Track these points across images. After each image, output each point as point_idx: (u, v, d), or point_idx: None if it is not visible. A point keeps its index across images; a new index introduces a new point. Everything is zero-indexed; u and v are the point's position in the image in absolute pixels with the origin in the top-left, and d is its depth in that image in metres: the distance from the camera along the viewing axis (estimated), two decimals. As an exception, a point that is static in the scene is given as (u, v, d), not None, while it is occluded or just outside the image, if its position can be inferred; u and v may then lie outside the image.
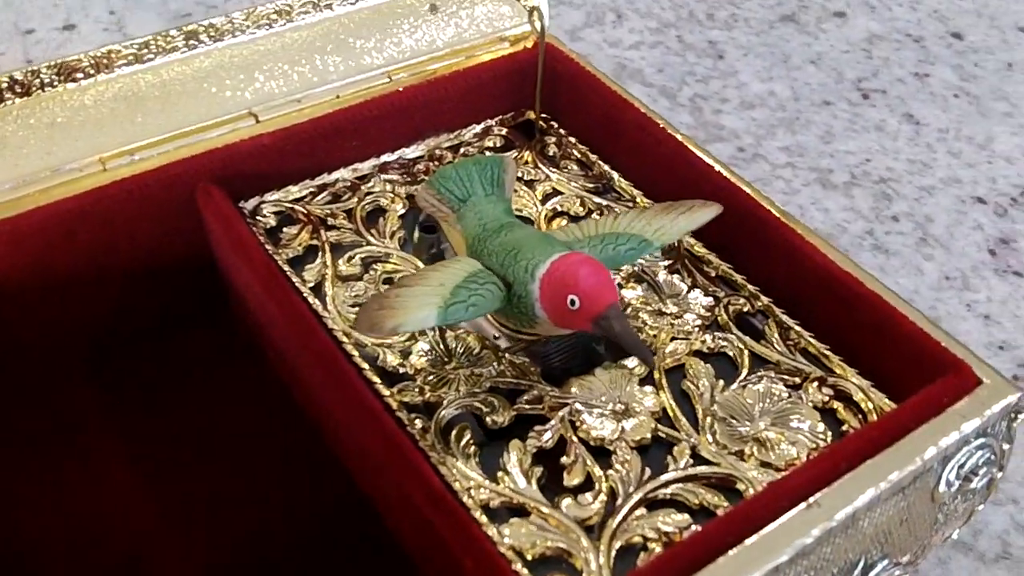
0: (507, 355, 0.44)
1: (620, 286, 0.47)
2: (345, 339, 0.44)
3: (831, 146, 0.80)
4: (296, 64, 0.52)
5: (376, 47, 0.54)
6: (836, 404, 0.43)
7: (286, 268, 0.47)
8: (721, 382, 0.43)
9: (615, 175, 0.54)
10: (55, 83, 0.48)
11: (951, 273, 0.70)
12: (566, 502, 0.38)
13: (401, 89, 0.53)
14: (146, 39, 0.49)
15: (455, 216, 0.46)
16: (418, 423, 0.41)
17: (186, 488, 0.47)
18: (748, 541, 0.34)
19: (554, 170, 0.54)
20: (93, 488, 0.47)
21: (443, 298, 0.40)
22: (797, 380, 0.44)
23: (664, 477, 0.39)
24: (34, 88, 0.47)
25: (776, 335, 0.46)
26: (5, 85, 0.46)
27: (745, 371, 0.44)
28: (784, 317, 0.46)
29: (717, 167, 0.49)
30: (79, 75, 0.48)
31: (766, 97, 0.85)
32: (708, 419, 0.42)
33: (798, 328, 0.46)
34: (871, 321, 0.43)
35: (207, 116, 0.50)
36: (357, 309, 0.46)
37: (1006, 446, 0.41)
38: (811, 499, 0.35)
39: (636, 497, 0.39)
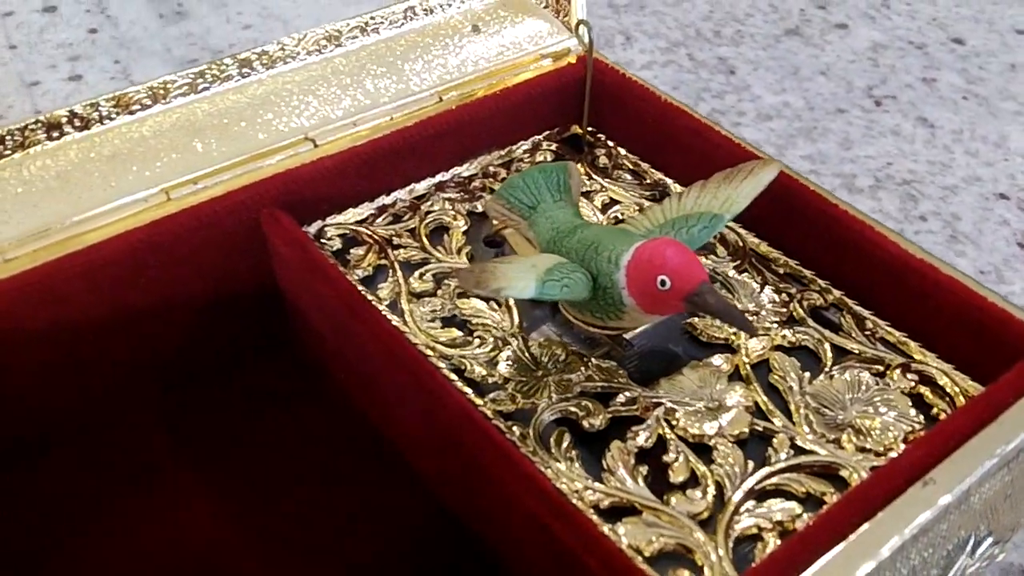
0: (593, 360, 0.44)
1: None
2: (430, 353, 0.44)
3: (851, 152, 0.81)
4: (348, 88, 0.52)
5: (424, 68, 0.55)
6: (923, 389, 0.43)
7: (360, 288, 0.46)
8: (807, 374, 0.43)
9: (669, 181, 0.54)
10: (113, 116, 0.48)
11: (984, 268, 0.70)
12: (675, 498, 0.38)
13: (453, 108, 0.53)
14: (200, 68, 0.49)
15: (527, 224, 0.46)
16: (516, 430, 0.41)
17: (268, 521, 0.46)
18: (872, 521, 0.34)
19: (608, 180, 0.55)
20: (172, 527, 0.46)
21: (538, 275, 0.40)
22: (881, 368, 0.44)
23: (768, 468, 0.39)
24: (93, 122, 0.47)
25: (853, 326, 0.46)
26: (65, 120, 0.46)
27: (829, 362, 0.44)
28: (858, 308, 0.46)
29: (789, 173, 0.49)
30: (136, 107, 0.48)
31: (781, 108, 0.86)
32: (801, 410, 0.42)
33: (874, 318, 0.46)
34: (949, 304, 0.43)
35: (266, 143, 0.50)
36: (437, 323, 0.46)
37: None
38: (926, 477, 0.36)
39: (744, 489, 0.39)
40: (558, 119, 0.57)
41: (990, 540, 0.39)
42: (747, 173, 0.45)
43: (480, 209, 0.52)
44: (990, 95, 0.88)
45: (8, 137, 0.45)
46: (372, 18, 0.54)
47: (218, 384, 0.51)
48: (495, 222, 0.49)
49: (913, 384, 0.43)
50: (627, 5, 1.01)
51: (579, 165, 0.56)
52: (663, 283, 0.39)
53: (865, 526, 0.34)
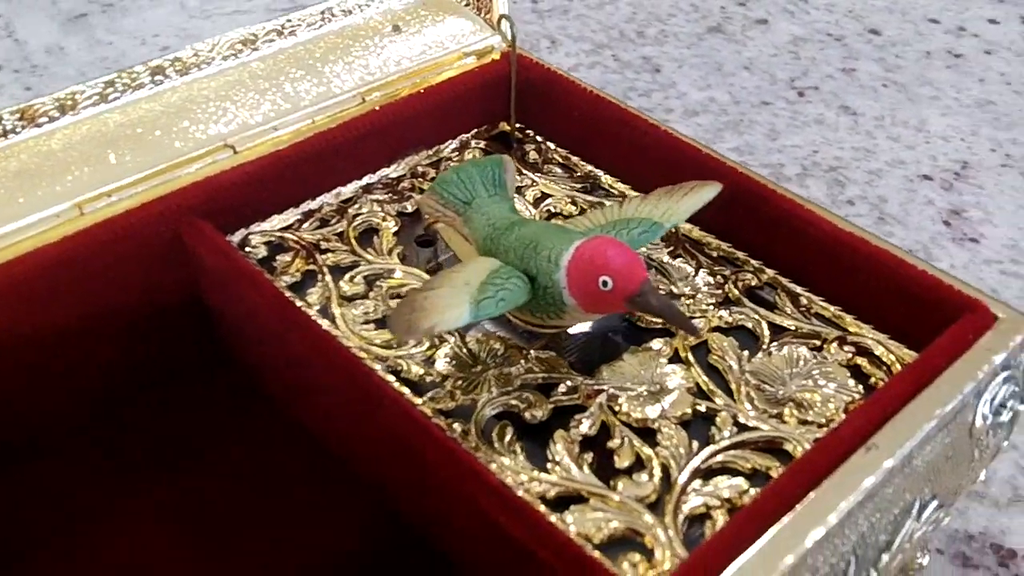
0: (532, 352, 0.43)
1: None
2: (364, 355, 0.43)
3: (777, 142, 0.82)
4: (267, 92, 0.51)
5: (345, 70, 0.54)
6: (859, 360, 0.43)
7: (289, 294, 0.45)
8: (746, 352, 0.43)
9: (600, 172, 0.54)
10: (18, 130, 0.46)
11: (912, 246, 0.71)
12: (622, 483, 0.38)
13: (377, 108, 0.52)
14: (111, 77, 0.48)
15: (461, 220, 0.45)
16: (457, 427, 0.40)
17: (218, 536, 0.44)
18: (818, 489, 0.34)
19: (539, 175, 0.54)
20: (121, 551, 0.44)
21: (471, 295, 0.39)
22: (817, 342, 0.44)
23: (712, 447, 0.39)
24: (-2, 137, 0.45)
25: (788, 303, 0.46)
26: (-31, 136, 0.45)
27: (767, 340, 0.44)
28: (792, 286, 0.47)
29: (704, 150, 0.50)
30: (43, 119, 0.46)
31: (707, 104, 0.87)
32: (742, 388, 0.42)
33: (808, 294, 0.46)
34: (881, 277, 0.44)
35: (183, 151, 0.48)
36: (371, 326, 0.44)
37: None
38: (868, 443, 0.35)
39: (690, 469, 0.38)
40: (485, 117, 0.57)
41: (935, 504, 0.39)
42: (688, 190, 0.45)
43: (410, 209, 0.52)
44: (908, 82, 0.90)
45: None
46: (289, 20, 0.53)
47: (149, 402, 0.49)
48: (427, 218, 0.48)
49: (850, 356, 0.43)
50: (551, 10, 1.01)
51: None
52: (605, 283, 0.38)
53: (812, 495, 0.34)
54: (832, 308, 0.45)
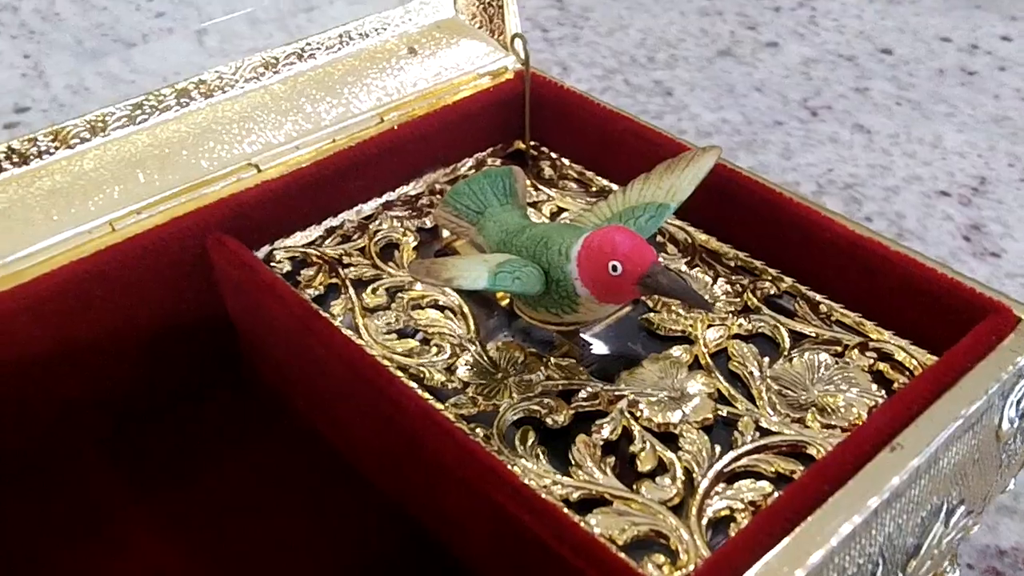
0: (552, 359, 0.43)
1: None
2: (388, 363, 0.43)
3: (792, 161, 0.82)
4: (288, 113, 0.52)
5: (363, 91, 0.55)
6: (882, 365, 0.43)
7: (319, 310, 0.46)
8: (766, 359, 0.43)
9: (614, 186, 0.54)
10: (52, 151, 0.47)
11: (931, 262, 0.71)
12: (645, 486, 0.38)
13: (395, 128, 0.53)
14: (138, 100, 0.49)
15: (475, 229, 0.46)
16: (480, 432, 0.40)
17: (228, 556, 0.45)
18: (844, 488, 0.34)
19: (554, 190, 0.55)
20: (126, 569, 0.44)
21: (490, 268, 0.40)
22: (839, 348, 0.44)
23: (735, 452, 0.39)
24: (32, 157, 0.46)
25: (808, 311, 0.46)
26: (3, 156, 0.45)
27: (787, 347, 0.44)
28: (811, 293, 0.47)
29: (728, 165, 0.50)
30: (75, 140, 0.47)
31: (720, 125, 0.87)
32: (764, 393, 0.42)
33: (827, 301, 0.46)
34: (901, 281, 0.44)
35: (208, 170, 0.49)
36: (393, 336, 0.45)
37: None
38: (893, 442, 0.35)
39: (713, 472, 0.38)
40: (501, 135, 0.58)
41: (963, 509, 0.39)
42: (688, 161, 0.45)
43: (429, 225, 0.52)
44: (922, 99, 0.90)
45: (-58, 176, 0.44)
46: (308, 44, 0.54)
47: (171, 418, 0.50)
48: (444, 232, 0.48)
49: (872, 361, 0.43)
50: (561, 38, 1.02)
51: (525, 178, 0.56)
52: (614, 268, 0.39)
53: (838, 493, 0.34)
54: (852, 315, 0.46)
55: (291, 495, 0.47)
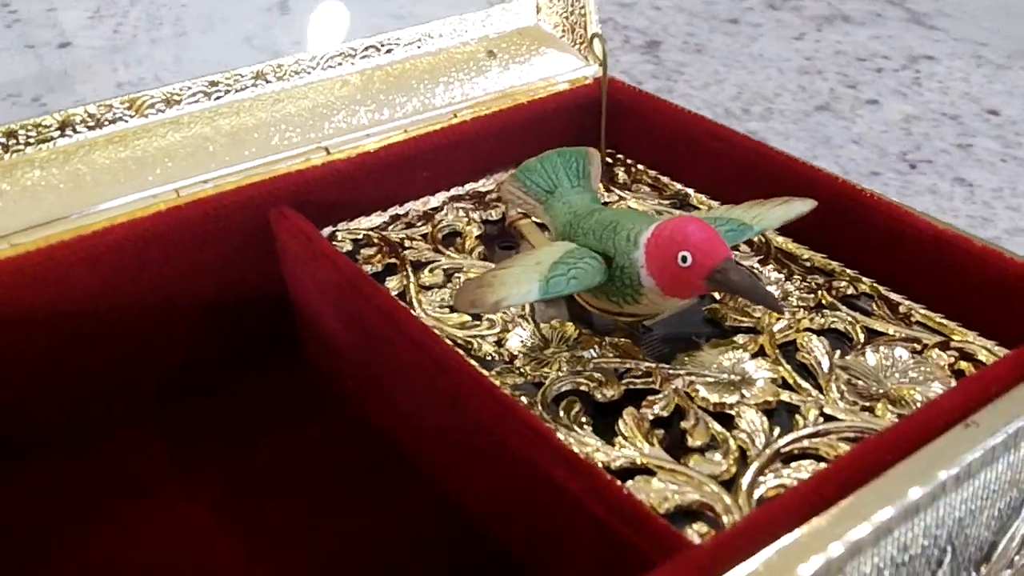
0: (607, 338, 0.42)
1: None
2: (437, 332, 0.42)
3: (887, 208, 0.79)
4: (362, 103, 0.52)
5: (440, 88, 0.54)
6: (963, 364, 0.40)
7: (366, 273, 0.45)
8: (838, 352, 0.41)
9: (690, 191, 0.53)
10: (126, 118, 0.48)
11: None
12: (694, 460, 0.35)
13: (468, 121, 0.53)
14: (215, 77, 0.50)
15: (542, 208, 0.45)
16: (524, 399, 0.38)
17: (271, 533, 0.43)
18: (908, 459, 0.31)
19: (627, 192, 0.53)
20: (170, 539, 0.43)
21: (542, 273, 0.38)
22: (917, 346, 0.41)
23: (796, 433, 0.36)
24: (106, 122, 0.47)
25: (887, 311, 0.43)
26: (79, 119, 0.46)
27: (861, 342, 0.41)
28: (891, 295, 0.44)
29: (798, 160, 0.48)
30: (150, 111, 0.48)
31: (813, 172, 0.85)
32: (832, 383, 0.39)
33: (908, 302, 0.43)
34: (986, 277, 0.41)
35: (278, 149, 0.49)
36: (446, 310, 0.44)
37: None
38: (968, 419, 0.32)
39: (769, 451, 0.35)
40: (575, 139, 0.56)
41: (1049, 512, 0.35)
42: (781, 202, 0.43)
43: (495, 218, 0.51)
44: (1029, 158, 0.87)
45: (22, 132, 0.45)
46: (388, 38, 0.54)
47: (223, 391, 0.49)
48: (510, 210, 0.47)
49: (953, 360, 0.40)
50: (655, 90, 1.01)
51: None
52: (684, 259, 0.37)
53: (901, 464, 0.31)
54: (935, 315, 0.43)
55: (333, 478, 0.46)
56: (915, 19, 1.17)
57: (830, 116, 0.95)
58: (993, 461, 0.32)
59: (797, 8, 1.22)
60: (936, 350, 0.41)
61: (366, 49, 0.54)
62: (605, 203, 0.52)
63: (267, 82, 0.51)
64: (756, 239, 0.48)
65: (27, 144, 0.45)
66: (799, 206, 0.44)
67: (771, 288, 0.45)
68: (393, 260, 0.47)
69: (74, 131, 0.46)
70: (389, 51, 0.54)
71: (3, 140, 0.44)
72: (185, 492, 0.45)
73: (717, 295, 0.44)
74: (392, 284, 0.45)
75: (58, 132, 0.46)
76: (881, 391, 0.38)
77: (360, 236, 0.49)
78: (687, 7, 1.24)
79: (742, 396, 0.38)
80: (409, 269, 0.46)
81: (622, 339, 0.41)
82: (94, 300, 0.44)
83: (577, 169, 0.46)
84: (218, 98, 0.50)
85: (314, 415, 0.48)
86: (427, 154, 0.51)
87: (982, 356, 0.40)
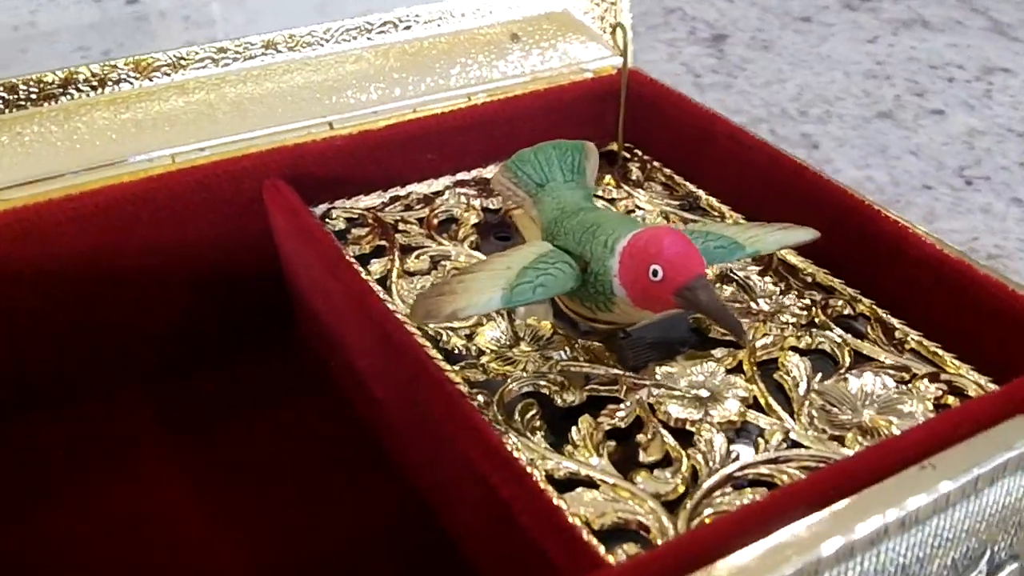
0: (579, 341, 0.40)
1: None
2: (407, 322, 0.41)
3: (933, 226, 0.76)
4: (373, 79, 0.52)
5: (457, 69, 0.53)
6: (951, 399, 0.38)
7: (352, 261, 0.44)
8: (819, 375, 0.39)
9: (701, 192, 0.51)
10: (131, 79, 0.48)
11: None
12: (641, 476, 0.34)
13: (479, 104, 0.52)
14: (224, 44, 0.49)
15: (531, 201, 0.44)
16: (480, 398, 0.37)
17: (239, 505, 0.43)
18: (853, 496, 0.29)
19: (638, 190, 0.52)
20: (144, 503, 0.43)
21: (508, 280, 0.37)
22: (906, 376, 0.39)
23: (754, 457, 0.35)
24: (110, 82, 0.47)
25: (881, 335, 0.41)
26: (82, 78, 0.47)
27: (846, 366, 0.39)
28: (889, 318, 0.42)
29: (812, 169, 0.46)
30: (156, 74, 0.48)
31: (863, 182, 0.82)
32: (804, 407, 0.37)
33: (905, 327, 0.41)
34: (985, 305, 0.38)
35: (281, 120, 0.49)
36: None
37: None
38: (925, 461, 0.30)
39: (721, 475, 0.34)
40: (593, 130, 0.55)
41: (1015, 566, 0.33)
42: (783, 226, 0.42)
43: (496, 206, 0.50)
44: (1096, 182, 0.82)
45: (23, 87, 0.45)
46: (407, 15, 0.53)
47: (215, 364, 0.49)
48: (501, 200, 0.46)
49: (940, 394, 0.38)
50: (712, 84, 0.99)
51: (608, 176, 0.53)
52: (655, 273, 0.35)
53: (844, 501, 0.29)
54: (931, 344, 0.40)
55: (307, 460, 0.45)
56: (997, 29, 1.12)
57: (890, 124, 0.91)
58: (947, 508, 0.30)
59: (875, 10, 1.18)
60: (925, 381, 0.38)
61: (383, 24, 0.53)
62: (611, 200, 0.51)
63: (277, 52, 0.51)
64: (759, 249, 0.46)
65: (27, 102, 0.45)
66: (799, 235, 0.42)
67: (764, 299, 0.43)
68: (383, 242, 0.47)
69: (77, 90, 0.47)
70: (408, 28, 0.54)
71: (4, 95, 0.45)
72: (162, 460, 0.45)
73: (706, 302, 0.43)
74: (376, 267, 0.45)
75: (60, 90, 0.46)
76: (855, 420, 0.36)
77: (355, 215, 0.48)
78: (761, 1, 1.21)
79: (706, 414, 0.36)
80: (397, 253, 0.46)
81: (596, 343, 0.40)
82: (82, 260, 0.44)
83: (572, 163, 0.44)
84: (226, 65, 0.49)
85: (301, 396, 0.48)
86: (433, 136, 0.50)
87: (972, 391, 0.38)
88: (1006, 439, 0.31)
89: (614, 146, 0.55)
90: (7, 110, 0.45)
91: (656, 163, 0.53)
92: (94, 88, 0.47)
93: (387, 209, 0.49)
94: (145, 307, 0.47)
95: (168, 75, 0.48)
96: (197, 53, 0.49)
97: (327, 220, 0.48)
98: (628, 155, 0.55)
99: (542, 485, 0.33)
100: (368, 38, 0.53)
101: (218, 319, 0.49)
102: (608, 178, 0.53)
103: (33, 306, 0.44)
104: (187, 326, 0.49)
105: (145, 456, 0.45)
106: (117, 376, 0.48)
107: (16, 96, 0.45)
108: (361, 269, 0.44)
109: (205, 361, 0.49)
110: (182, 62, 0.48)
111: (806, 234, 0.42)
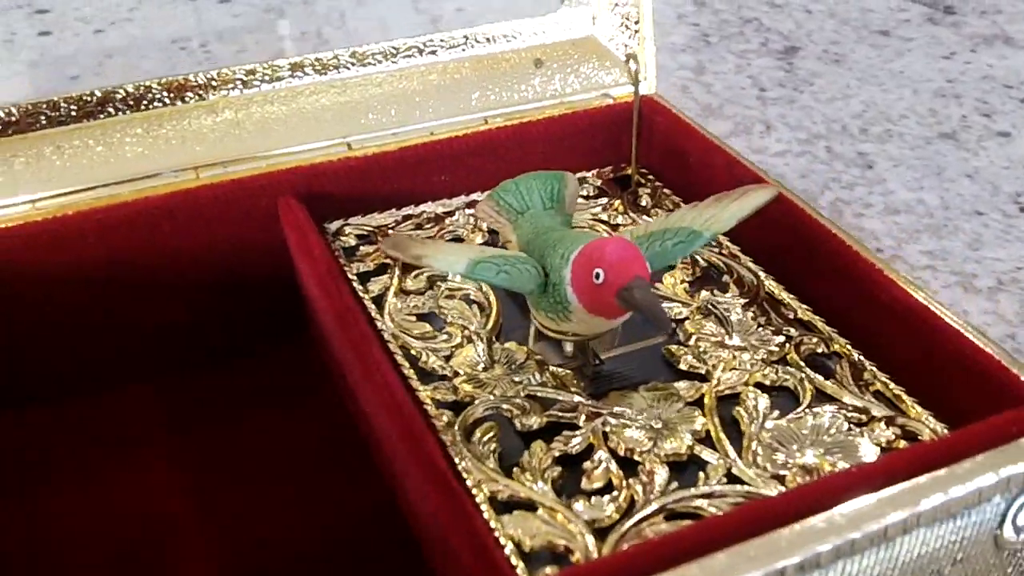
0: (551, 367, 0.42)
1: (686, 319, 0.45)
2: (392, 340, 0.44)
3: (979, 253, 0.75)
4: (395, 103, 0.54)
5: (478, 94, 0.56)
6: (902, 444, 0.38)
7: (352, 278, 0.47)
8: (776, 412, 0.40)
9: (701, 222, 0.52)
10: (164, 100, 0.51)
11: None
12: (580, 503, 0.36)
13: (494, 129, 0.54)
14: (252, 66, 0.53)
15: (511, 228, 0.46)
16: (444, 418, 0.39)
17: (229, 505, 0.46)
18: (756, 540, 0.30)
19: (645, 217, 0.53)
20: (137, 497, 0.46)
21: (479, 256, 0.41)
22: (864, 418, 0.40)
23: (690, 491, 0.36)
24: (144, 104, 0.51)
25: (848, 375, 0.42)
26: (119, 98, 0.50)
27: (806, 404, 0.40)
28: (860, 358, 0.43)
29: (805, 208, 0.47)
30: (188, 94, 0.52)
31: (913, 204, 0.81)
32: (753, 444, 0.38)
33: (873, 368, 0.42)
34: (949, 356, 0.39)
35: (303, 141, 0.52)
36: (412, 318, 0.45)
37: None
38: (837, 507, 0.32)
39: (656, 505, 0.36)
40: (609, 156, 0.57)
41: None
42: (739, 195, 0.43)
43: (501, 229, 0.52)
44: None
45: (64, 104, 0.49)
46: (431, 39, 0.56)
47: (223, 370, 0.52)
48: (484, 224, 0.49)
49: (893, 438, 0.39)
50: (777, 99, 0.99)
51: (617, 201, 0.55)
52: (597, 276, 0.38)
53: (749, 542, 0.30)
54: (896, 387, 0.41)
55: (300, 464, 0.48)
56: (1083, 46, 1.09)
57: (952, 145, 0.90)
58: (853, 554, 0.31)
59: (957, 24, 1.15)
60: (881, 424, 0.39)
61: (407, 49, 0.55)
62: (615, 225, 0.52)
63: (304, 75, 0.54)
64: (748, 281, 0.47)
65: (69, 117, 0.49)
66: (756, 198, 0.44)
67: (739, 334, 0.44)
68: (387, 260, 0.49)
69: (115, 108, 0.50)
70: (432, 52, 0.56)
71: (48, 112, 0.49)
72: (164, 454, 0.48)
73: (681, 334, 0.44)
74: (374, 286, 0.47)
75: (98, 108, 0.50)
76: (798, 461, 0.37)
77: (366, 232, 0.51)
78: (840, 13, 1.19)
79: (655, 444, 0.38)
80: (398, 271, 0.48)
81: (566, 370, 0.42)
82: (106, 267, 0.48)
83: (552, 193, 0.46)
84: (255, 86, 0.53)
85: (307, 402, 0.51)
86: (446, 158, 0.53)
87: (926, 436, 0.39)
88: (924, 490, 0.32)
89: (629, 171, 0.57)
90: (50, 126, 0.49)
91: (667, 190, 0.55)
92: (130, 107, 0.51)
93: (398, 227, 0.52)
94: (164, 310, 0.51)
95: (201, 96, 0.52)
96: (227, 75, 0.52)
97: (340, 236, 0.51)
98: (642, 180, 0.56)
99: (482, 506, 0.35)
100: (393, 62, 0.55)
101: (233, 326, 0.53)
102: (617, 203, 0.54)
103: (60, 303, 0.48)
104: (202, 331, 0.52)
105: (144, 447, 0.49)
106: (134, 372, 0.52)
107: (58, 113, 0.49)
108: (360, 286, 0.47)
109: (220, 364, 0.53)
110: (213, 83, 0.52)
111: (763, 195, 0.44)
